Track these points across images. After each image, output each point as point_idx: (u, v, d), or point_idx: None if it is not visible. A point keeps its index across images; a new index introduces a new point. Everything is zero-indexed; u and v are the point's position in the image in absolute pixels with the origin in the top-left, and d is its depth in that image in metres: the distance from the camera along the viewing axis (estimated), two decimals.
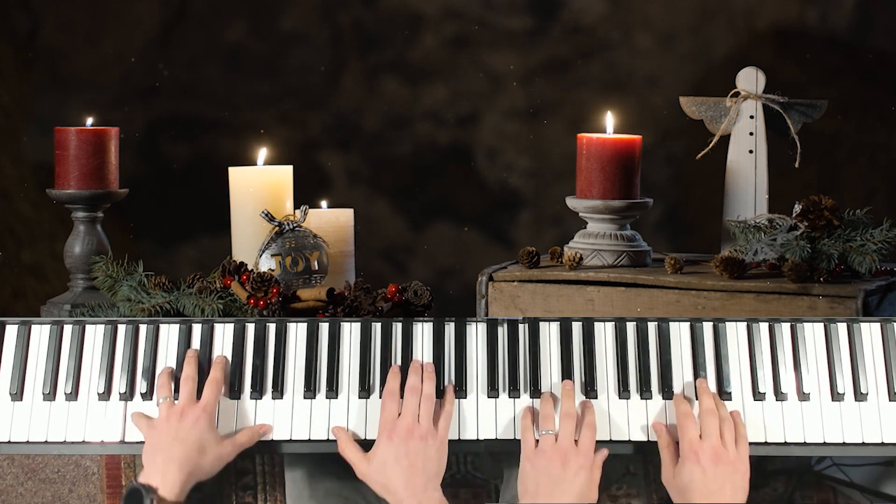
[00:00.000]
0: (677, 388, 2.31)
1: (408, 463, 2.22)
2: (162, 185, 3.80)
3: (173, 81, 3.86)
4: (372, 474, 2.24)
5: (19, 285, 3.81)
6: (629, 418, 2.29)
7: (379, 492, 2.24)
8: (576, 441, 2.24)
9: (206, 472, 2.25)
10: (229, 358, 2.35)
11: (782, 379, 2.31)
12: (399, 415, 2.26)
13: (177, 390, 2.31)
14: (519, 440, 2.27)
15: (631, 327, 2.36)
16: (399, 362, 2.34)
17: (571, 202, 2.81)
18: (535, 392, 2.31)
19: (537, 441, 2.25)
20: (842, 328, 2.35)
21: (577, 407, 2.28)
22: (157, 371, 2.34)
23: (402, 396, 2.28)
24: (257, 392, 2.32)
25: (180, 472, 2.21)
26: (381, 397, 2.31)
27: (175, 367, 2.34)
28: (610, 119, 2.81)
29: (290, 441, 2.31)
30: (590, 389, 2.30)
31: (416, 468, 2.21)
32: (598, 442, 2.26)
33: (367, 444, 2.29)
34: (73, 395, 2.33)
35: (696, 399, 2.29)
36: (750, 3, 3.77)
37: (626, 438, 2.29)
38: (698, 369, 2.31)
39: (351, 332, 2.37)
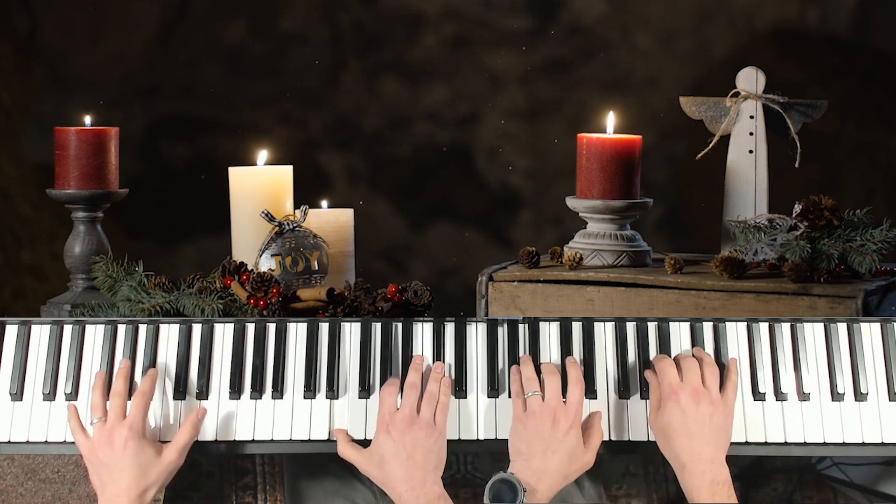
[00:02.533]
0: None
1: (406, 456, 2.21)
2: (162, 185, 3.80)
3: (173, 81, 3.86)
4: (372, 470, 2.23)
5: (19, 285, 3.81)
6: (629, 418, 2.29)
7: (380, 485, 2.23)
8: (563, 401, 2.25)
9: (159, 485, 2.25)
10: (229, 357, 2.35)
11: (782, 379, 2.31)
12: (397, 409, 2.25)
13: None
14: None
15: (631, 327, 2.36)
16: (399, 362, 2.34)
17: (571, 202, 2.81)
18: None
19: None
20: (842, 328, 2.35)
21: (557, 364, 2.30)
22: (158, 371, 2.34)
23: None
24: (257, 392, 2.32)
25: (131, 500, 2.21)
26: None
27: (175, 374, 2.34)
28: (610, 119, 2.81)
29: (290, 441, 2.31)
30: (590, 389, 2.30)
31: (416, 461, 2.21)
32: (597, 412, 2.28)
33: (367, 444, 2.29)
34: (72, 395, 2.33)
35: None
36: (750, 3, 3.77)
37: (626, 438, 2.29)
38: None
39: (351, 332, 2.37)
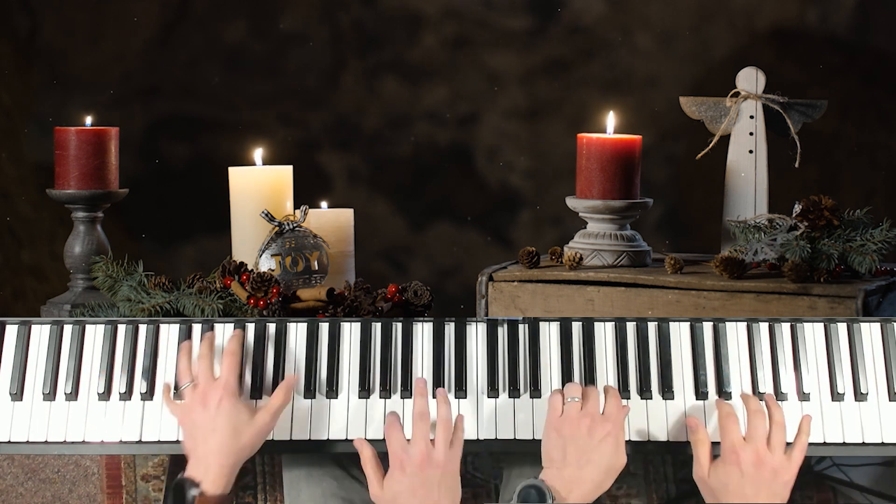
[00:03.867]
0: (677, 387, 2.31)
1: (424, 493, 2.12)
2: (162, 185, 3.80)
3: (173, 81, 3.86)
4: (382, 502, 2.16)
5: (19, 285, 3.81)
6: (629, 418, 2.29)
7: None
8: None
9: (249, 451, 2.21)
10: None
11: (782, 379, 2.31)
12: (409, 441, 2.16)
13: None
14: (519, 440, 2.27)
15: (631, 327, 2.36)
16: (399, 362, 2.34)
17: (571, 202, 2.81)
18: (535, 392, 2.30)
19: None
20: (842, 328, 2.35)
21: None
22: (158, 371, 2.34)
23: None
24: (257, 392, 2.32)
25: (221, 465, 2.17)
26: (380, 397, 2.31)
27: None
28: (610, 119, 2.81)
29: (290, 441, 2.31)
30: None
31: (432, 497, 2.12)
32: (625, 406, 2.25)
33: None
34: (73, 395, 2.33)
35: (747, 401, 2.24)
36: (750, 3, 3.77)
37: (626, 438, 2.28)
38: (698, 369, 2.31)
39: (351, 332, 2.37)
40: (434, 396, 2.25)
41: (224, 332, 2.37)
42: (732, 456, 2.16)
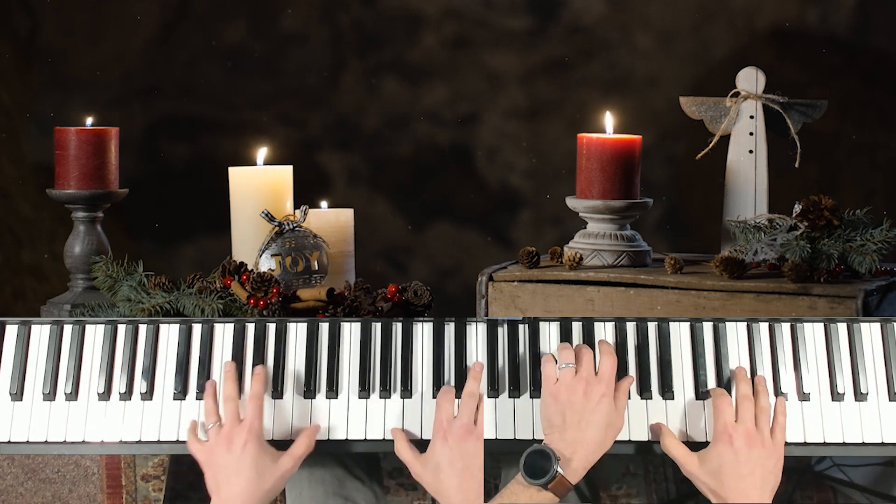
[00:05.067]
0: (677, 387, 2.31)
1: (463, 465, 2.18)
2: (162, 185, 3.80)
3: (173, 81, 3.86)
4: (426, 476, 2.21)
5: (19, 285, 3.81)
6: (629, 418, 2.29)
7: (432, 494, 2.20)
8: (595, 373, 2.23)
9: (272, 495, 2.22)
10: (229, 358, 2.35)
11: (782, 379, 2.31)
12: (455, 416, 2.23)
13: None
14: (519, 440, 2.27)
15: (631, 327, 2.36)
16: (399, 362, 2.34)
17: (571, 202, 2.81)
18: (536, 392, 2.30)
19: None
20: (842, 328, 2.35)
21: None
22: (158, 371, 2.34)
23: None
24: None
25: None
26: (380, 397, 2.31)
27: (175, 374, 2.34)
28: (610, 119, 2.81)
29: (291, 441, 2.30)
30: None
31: (472, 472, 2.18)
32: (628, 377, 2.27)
33: (367, 444, 2.29)
34: (73, 395, 2.33)
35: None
36: (750, 3, 3.77)
37: (626, 438, 2.28)
38: (698, 369, 2.31)
39: (351, 332, 2.37)
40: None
41: (223, 332, 2.37)
42: (725, 436, 2.20)
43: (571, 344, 2.31)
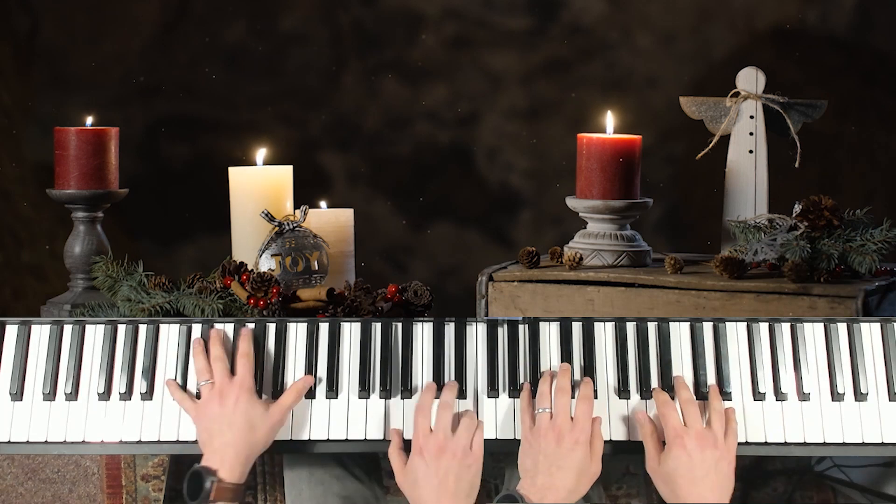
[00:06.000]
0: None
1: (438, 481, 2.19)
2: (162, 185, 3.80)
3: (173, 81, 3.86)
4: (406, 487, 2.22)
5: (19, 285, 3.81)
6: (629, 418, 2.29)
7: (411, 503, 2.22)
8: (572, 418, 2.23)
9: (263, 446, 2.26)
10: (229, 358, 2.35)
11: (782, 379, 2.31)
12: (431, 430, 2.24)
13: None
14: (520, 440, 2.27)
15: (631, 327, 2.36)
16: (399, 362, 2.34)
17: (571, 202, 2.81)
18: (535, 392, 2.30)
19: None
20: (842, 328, 2.35)
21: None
22: (158, 371, 2.34)
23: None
24: (257, 392, 2.32)
25: (237, 456, 2.22)
26: (380, 397, 2.31)
27: (175, 374, 2.34)
28: (610, 119, 2.81)
29: (290, 441, 2.31)
30: None
31: (447, 488, 2.18)
32: (597, 418, 2.26)
33: (367, 444, 2.29)
34: (73, 395, 2.33)
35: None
36: (750, 3, 3.77)
37: (626, 438, 2.28)
38: (698, 369, 2.31)
39: (351, 332, 2.37)
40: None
41: (224, 332, 2.37)
42: (678, 440, 2.20)
43: (571, 342, 2.31)
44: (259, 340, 2.36)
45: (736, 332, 2.35)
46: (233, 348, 2.34)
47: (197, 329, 2.37)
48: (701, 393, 2.30)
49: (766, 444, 2.28)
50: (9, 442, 2.32)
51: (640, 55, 3.81)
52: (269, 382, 2.34)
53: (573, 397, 2.26)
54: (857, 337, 2.33)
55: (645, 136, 2.81)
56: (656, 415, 2.26)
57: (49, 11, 3.85)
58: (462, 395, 2.31)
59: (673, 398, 2.27)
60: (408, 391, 2.31)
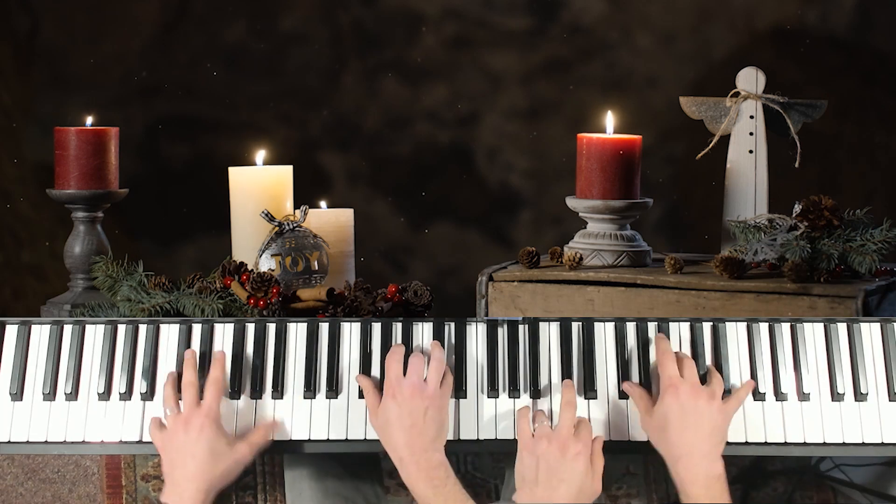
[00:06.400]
0: None
1: (410, 423, 2.21)
2: (162, 185, 3.80)
3: (173, 81, 3.86)
4: (378, 431, 2.25)
5: (19, 285, 3.81)
6: (629, 418, 2.29)
7: (383, 444, 2.24)
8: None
9: (226, 480, 2.24)
10: (229, 358, 2.35)
11: (782, 379, 2.31)
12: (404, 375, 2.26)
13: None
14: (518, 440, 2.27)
15: (631, 327, 2.36)
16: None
17: (571, 202, 2.81)
18: (535, 392, 2.31)
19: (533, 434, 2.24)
20: (842, 328, 2.35)
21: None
22: (158, 371, 2.34)
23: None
24: (257, 392, 2.32)
25: (198, 492, 2.20)
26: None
27: (176, 371, 2.34)
28: (610, 119, 2.81)
29: (290, 441, 2.31)
30: (589, 389, 2.30)
31: (418, 428, 2.21)
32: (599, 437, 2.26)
33: (367, 444, 2.29)
34: (73, 395, 2.33)
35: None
36: (750, 3, 3.77)
37: (626, 438, 2.29)
38: (698, 369, 2.31)
39: (351, 332, 2.37)
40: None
41: (223, 332, 2.37)
42: (671, 389, 2.21)
43: (571, 342, 2.31)
44: (259, 341, 2.36)
45: (736, 333, 2.35)
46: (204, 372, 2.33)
47: (197, 329, 2.37)
48: None
49: (766, 444, 2.28)
50: (9, 442, 2.32)
51: (640, 55, 3.81)
52: (268, 383, 2.34)
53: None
54: (857, 337, 2.33)
55: (645, 136, 2.81)
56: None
57: (49, 11, 3.85)
58: (462, 394, 2.31)
59: None
60: None
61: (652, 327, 2.35)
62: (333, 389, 2.32)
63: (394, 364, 2.27)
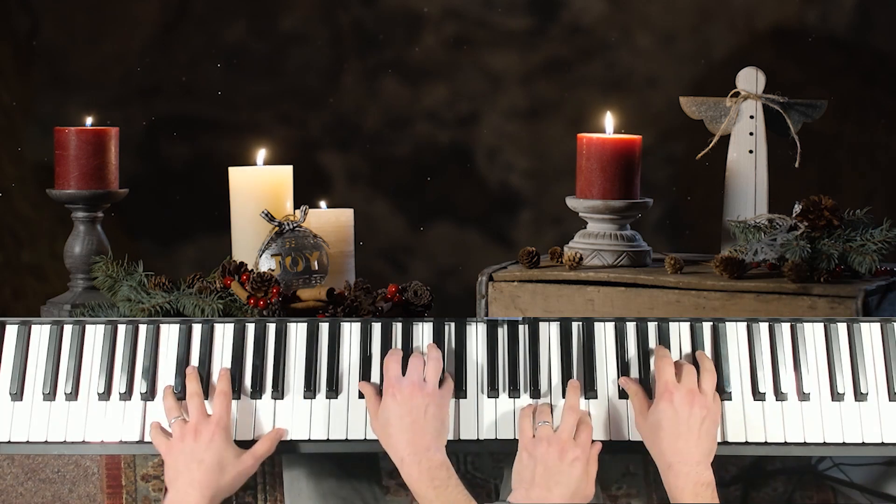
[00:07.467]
0: None
1: (411, 420, 2.22)
2: (162, 185, 3.80)
3: (173, 81, 3.86)
4: (378, 431, 2.25)
5: (19, 285, 3.81)
6: (629, 418, 2.29)
7: (385, 448, 2.24)
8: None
9: (229, 490, 2.25)
10: (229, 358, 2.35)
11: (782, 379, 2.31)
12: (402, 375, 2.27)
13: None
14: (518, 440, 2.27)
15: (631, 327, 2.36)
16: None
17: (571, 202, 2.81)
18: (535, 392, 2.31)
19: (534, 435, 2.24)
20: (842, 328, 2.35)
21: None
22: (158, 371, 2.34)
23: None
24: (257, 392, 2.32)
25: (202, 497, 2.21)
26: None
27: (175, 374, 2.34)
28: (610, 119, 2.81)
29: (290, 441, 2.31)
30: (589, 389, 2.30)
31: (419, 426, 2.21)
32: (597, 443, 2.26)
33: (367, 444, 2.29)
34: (73, 395, 2.33)
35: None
36: (750, 3, 3.77)
37: (626, 438, 2.29)
38: (698, 369, 2.31)
39: (351, 332, 2.37)
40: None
41: (223, 332, 2.37)
42: (666, 394, 2.22)
43: (571, 342, 2.31)
44: (259, 341, 2.36)
45: (736, 332, 2.35)
46: (211, 386, 2.33)
47: (197, 329, 2.37)
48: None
49: (766, 444, 2.28)
50: (9, 442, 2.32)
51: (640, 55, 3.81)
52: (268, 383, 2.34)
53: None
54: (857, 337, 2.33)
55: (645, 136, 2.81)
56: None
57: (49, 11, 3.85)
58: (462, 394, 2.31)
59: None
60: None
61: (652, 327, 2.35)
62: (333, 389, 2.32)
63: (392, 364, 2.27)
